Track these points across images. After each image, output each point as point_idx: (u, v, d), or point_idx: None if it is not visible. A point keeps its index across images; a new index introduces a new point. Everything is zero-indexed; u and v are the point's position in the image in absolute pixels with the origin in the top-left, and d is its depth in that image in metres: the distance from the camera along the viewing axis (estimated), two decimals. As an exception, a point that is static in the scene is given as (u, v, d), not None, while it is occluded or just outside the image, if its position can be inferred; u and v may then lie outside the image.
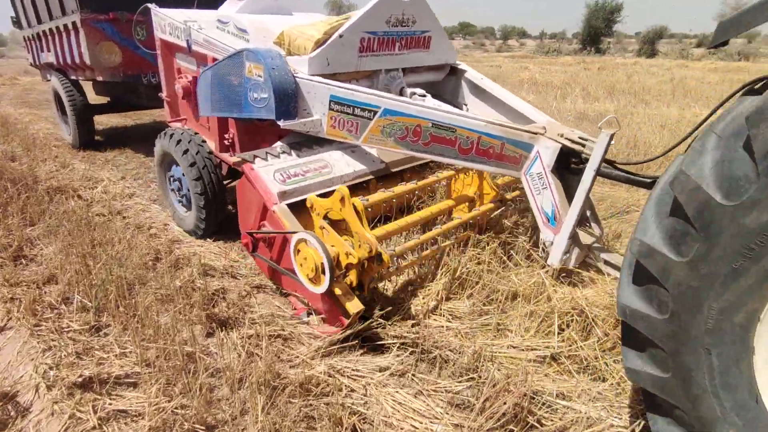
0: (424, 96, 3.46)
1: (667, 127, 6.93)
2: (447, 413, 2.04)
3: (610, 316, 2.41)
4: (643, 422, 1.90)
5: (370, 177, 3.14)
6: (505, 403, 1.94)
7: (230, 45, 3.32)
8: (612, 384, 2.24)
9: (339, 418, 1.97)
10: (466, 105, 4.04)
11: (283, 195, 2.70)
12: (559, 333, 2.46)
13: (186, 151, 3.51)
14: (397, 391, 2.17)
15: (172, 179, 3.85)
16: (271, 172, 2.75)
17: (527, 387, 2.04)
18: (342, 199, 2.39)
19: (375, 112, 2.88)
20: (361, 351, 2.43)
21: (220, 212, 3.62)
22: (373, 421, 2.02)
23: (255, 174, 2.73)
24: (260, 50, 2.87)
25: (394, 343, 2.43)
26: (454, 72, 4.06)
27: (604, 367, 2.30)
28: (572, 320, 2.47)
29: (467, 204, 3.26)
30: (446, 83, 4.11)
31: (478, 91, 3.88)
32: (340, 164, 3.04)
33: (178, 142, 3.57)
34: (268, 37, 3.27)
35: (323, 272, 2.32)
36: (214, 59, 3.51)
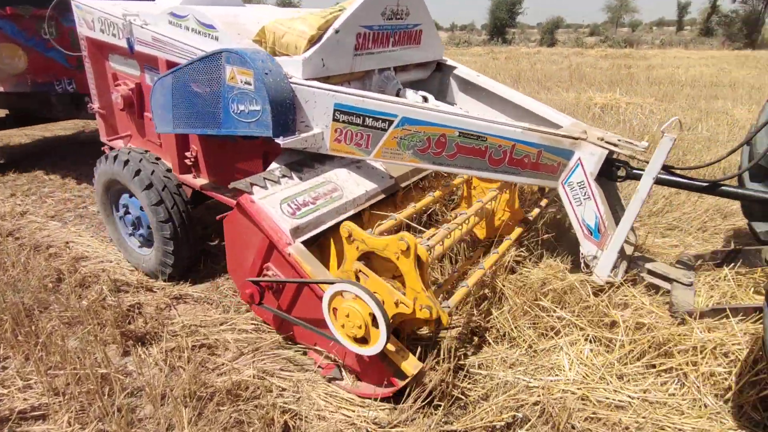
0: (426, 98, 3.06)
1: (566, 110, 7.10)
2: (376, 399, 2.07)
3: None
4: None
5: (382, 196, 2.70)
6: (431, 380, 2.00)
7: (195, 45, 2.69)
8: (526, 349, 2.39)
9: (270, 418, 1.96)
10: (455, 104, 3.70)
11: (296, 231, 2.18)
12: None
13: (138, 172, 2.83)
14: (327, 385, 2.20)
15: (121, 212, 3.13)
16: (277, 203, 2.21)
17: (452, 362, 2.10)
18: (407, 250, 1.90)
19: (391, 122, 2.44)
20: (292, 351, 2.40)
21: (192, 244, 2.98)
22: (305, 417, 2.03)
23: (257, 208, 2.18)
24: (246, 51, 2.30)
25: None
26: (440, 68, 3.70)
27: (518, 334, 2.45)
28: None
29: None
30: (432, 81, 3.73)
31: (471, 89, 3.54)
32: (350, 185, 2.56)
33: (126, 163, 2.88)
34: (244, 34, 2.67)
35: (375, 328, 1.87)
36: (171, 63, 2.85)
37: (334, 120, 2.48)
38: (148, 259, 3.07)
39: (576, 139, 2.41)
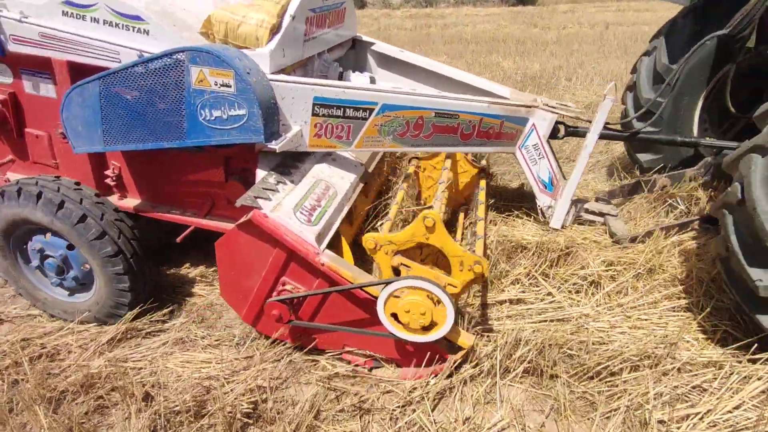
0: (374, 79, 3.05)
1: None
2: (235, 357, 2.30)
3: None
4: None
5: (362, 185, 2.68)
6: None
7: (115, 42, 2.22)
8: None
9: (132, 393, 2.06)
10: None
11: (319, 238, 2.08)
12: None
13: (61, 205, 2.29)
14: (183, 353, 2.37)
15: (35, 259, 2.51)
16: (291, 213, 2.05)
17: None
18: (433, 225, 1.96)
19: (371, 110, 2.42)
20: (141, 336, 2.53)
21: (150, 273, 2.57)
22: (165, 384, 2.15)
23: (274, 222, 1.99)
24: (219, 49, 2.00)
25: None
26: (354, 45, 3.66)
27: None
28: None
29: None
30: (347, 58, 3.69)
31: (394, 64, 3.61)
32: (336, 180, 2.48)
33: (39, 196, 2.30)
34: (180, 25, 2.28)
35: (438, 311, 1.94)
36: (76, 65, 2.32)
37: (314, 115, 2.35)
38: (88, 305, 2.55)
39: (530, 107, 2.71)
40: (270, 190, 2.12)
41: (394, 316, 1.97)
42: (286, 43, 2.38)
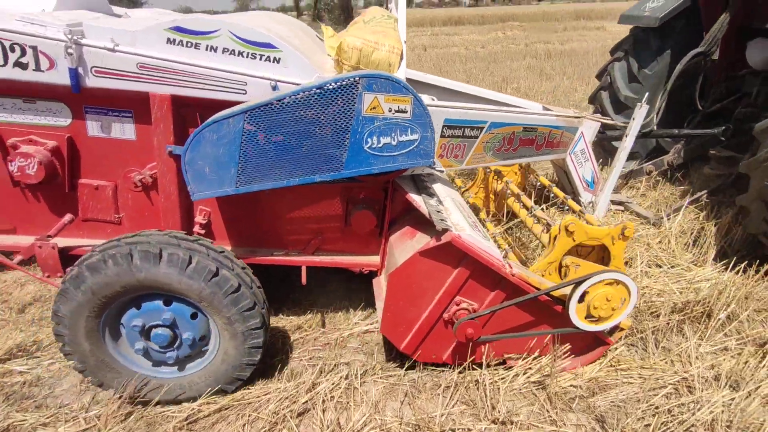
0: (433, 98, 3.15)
1: None
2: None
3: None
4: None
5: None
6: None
7: (244, 71, 2.01)
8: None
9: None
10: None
11: (503, 252, 2.15)
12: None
13: (190, 260, 1.96)
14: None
15: (133, 333, 2.06)
16: (470, 231, 2.08)
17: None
18: (624, 232, 2.21)
19: (482, 129, 2.58)
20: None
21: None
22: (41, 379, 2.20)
23: (468, 241, 2.00)
24: (393, 76, 1.95)
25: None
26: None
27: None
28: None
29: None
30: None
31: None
32: (454, 196, 2.54)
33: (159, 256, 1.92)
34: (310, 53, 2.12)
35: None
36: (184, 99, 2.04)
37: (441, 136, 2.41)
38: (199, 376, 2.18)
39: (580, 117, 3.12)
40: (440, 212, 2.12)
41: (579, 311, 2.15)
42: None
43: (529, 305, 2.19)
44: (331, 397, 2.20)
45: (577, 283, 2.10)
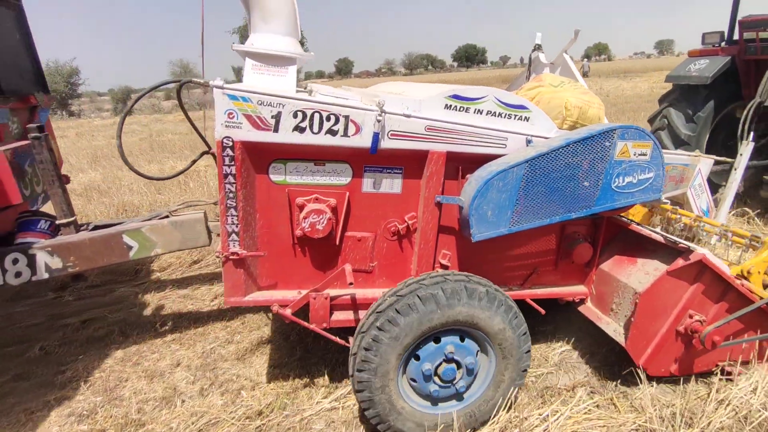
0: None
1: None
2: None
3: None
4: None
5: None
6: None
7: (504, 128, 2.35)
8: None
9: None
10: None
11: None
12: None
13: (493, 299, 2.21)
14: None
15: (429, 365, 2.22)
16: (699, 248, 2.44)
17: None
18: None
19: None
20: None
21: None
22: None
23: (713, 259, 2.35)
24: (641, 127, 2.35)
25: None
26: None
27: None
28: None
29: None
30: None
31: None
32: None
33: (478, 294, 2.17)
34: (546, 110, 2.50)
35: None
36: (452, 154, 2.33)
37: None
38: (458, 412, 2.32)
39: (698, 156, 3.64)
40: (671, 235, 2.48)
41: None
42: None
43: (757, 312, 2.51)
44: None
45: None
